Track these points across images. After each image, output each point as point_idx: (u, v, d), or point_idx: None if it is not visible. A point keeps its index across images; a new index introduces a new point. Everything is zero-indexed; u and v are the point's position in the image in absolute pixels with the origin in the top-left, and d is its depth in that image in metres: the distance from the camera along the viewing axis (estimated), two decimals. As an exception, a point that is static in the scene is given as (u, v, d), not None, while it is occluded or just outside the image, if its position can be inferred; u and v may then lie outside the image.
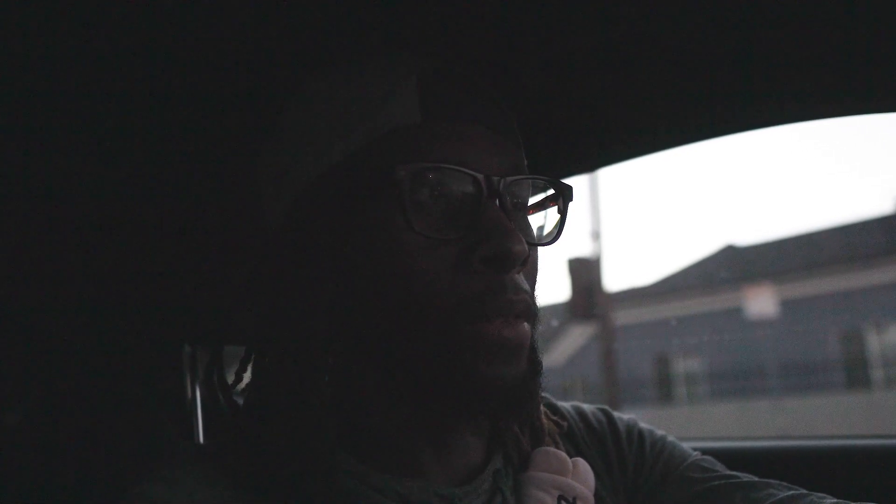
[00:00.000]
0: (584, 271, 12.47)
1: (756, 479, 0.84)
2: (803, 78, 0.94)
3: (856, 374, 15.86)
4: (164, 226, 1.13)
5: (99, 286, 1.21)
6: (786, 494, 0.80)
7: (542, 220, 0.80)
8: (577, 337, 18.89)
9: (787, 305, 15.92)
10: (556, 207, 0.79)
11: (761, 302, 16.00)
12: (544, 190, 0.80)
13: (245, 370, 0.79)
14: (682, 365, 18.31)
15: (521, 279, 0.72)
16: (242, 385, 0.80)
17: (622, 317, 16.41)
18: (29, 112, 0.88)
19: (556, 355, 19.03)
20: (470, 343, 0.68)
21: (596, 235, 12.15)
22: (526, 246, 0.70)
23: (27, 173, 0.99)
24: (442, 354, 0.69)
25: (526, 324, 0.72)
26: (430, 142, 0.71)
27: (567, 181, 0.80)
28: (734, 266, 18.60)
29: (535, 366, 0.74)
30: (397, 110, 0.72)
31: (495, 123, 0.75)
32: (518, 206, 0.76)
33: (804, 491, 0.81)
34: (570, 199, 0.79)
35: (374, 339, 0.73)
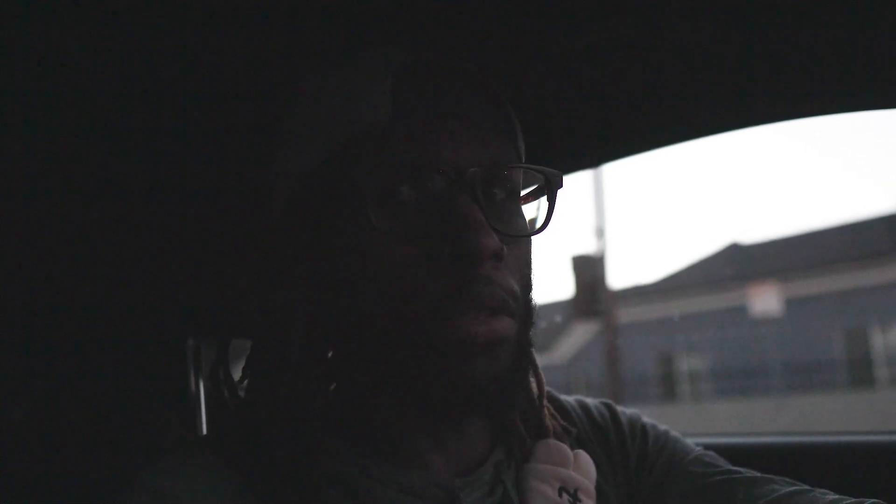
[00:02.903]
0: (588, 269, 12.45)
1: (758, 474, 0.84)
2: (807, 72, 0.93)
3: (860, 372, 15.84)
4: (167, 220, 1.13)
5: (102, 280, 1.21)
6: (788, 490, 0.80)
7: (534, 211, 0.79)
8: (580, 334, 18.88)
9: (791, 304, 15.89)
10: (545, 196, 0.78)
11: (765, 300, 15.97)
12: (533, 179, 0.80)
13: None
14: (686, 363, 18.30)
15: (499, 274, 0.70)
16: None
17: (626, 315, 16.40)
18: (31, 107, 0.88)
19: (559, 353, 19.03)
20: (442, 340, 0.68)
21: (600, 233, 12.15)
22: (496, 240, 0.68)
23: (28, 168, 0.99)
24: (415, 353, 0.68)
25: (507, 318, 0.70)
26: (399, 140, 0.71)
27: (568, 175, 0.80)
28: (738, 264, 18.58)
29: (520, 363, 0.73)
30: (369, 109, 0.72)
31: (473, 116, 0.74)
32: (501, 197, 0.74)
33: (806, 487, 0.81)
34: (559, 185, 0.77)
35: (353, 336, 0.73)
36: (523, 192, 0.79)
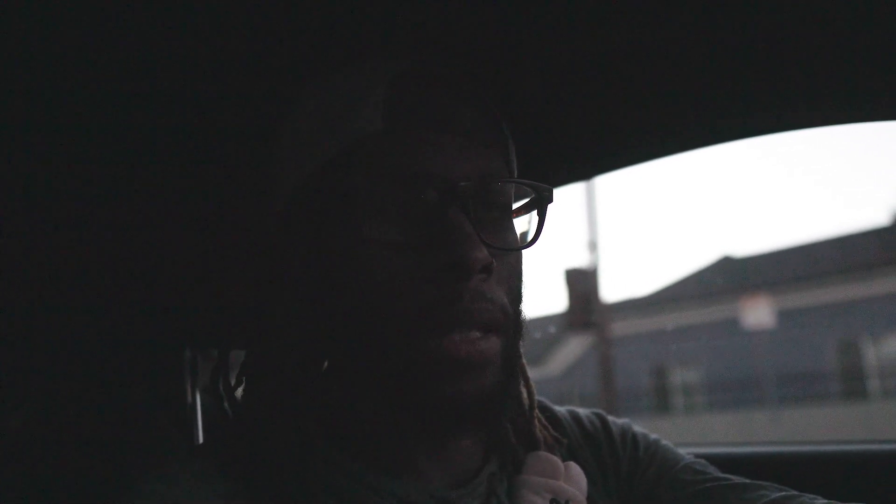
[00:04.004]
0: (582, 282, 12.46)
1: (748, 480, 0.85)
2: (802, 84, 0.93)
3: (853, 384, 15.86)
4: (166, 229, 1.13)
5: (100, 289, 1.21)
6: (778, 495, 0.81)
7: (525, 225, 0.79)
8: (574, 347, 18.88)
9: (784, 316, 15.92)
10: (535, 210, 0.78)
11: (758, 313, 15.99)
12: (524, 193, 0.80)
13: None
14: (680, 375, 18.29)
15: (487, 287, 0.70)
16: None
17: (620, 327, 16.40)
18: (30, 110, 0.88)
19: (553, 366, 19.01)
20: (430, 358, 0.68)
21: (593, 246, 12.16)
22: (486, 253, 0.68)
23: (28, 173, 0.99)
24: (403, 369, 0.69)
25: (493, 337, 0.70)
26: (392, 150, 0.71)
27: (561, 187, 0.80)
28: (731, 277, 18.61)
29: (507, 379, 0.73)
30: (363, 118, 0.72)
31: (469, 129, 0.74)
32: (491, 210, 0.74)
33: (795, 492, 0.81)
34: (549, 200, 0.78)
35: (345, 346, 0.74)
36: (514, 206, 0.79)
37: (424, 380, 0.68)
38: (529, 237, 0.78)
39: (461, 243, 0.67)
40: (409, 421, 0.72)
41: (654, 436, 0.94)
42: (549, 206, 0.78)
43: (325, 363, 0.80)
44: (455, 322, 0.68)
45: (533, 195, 0.79)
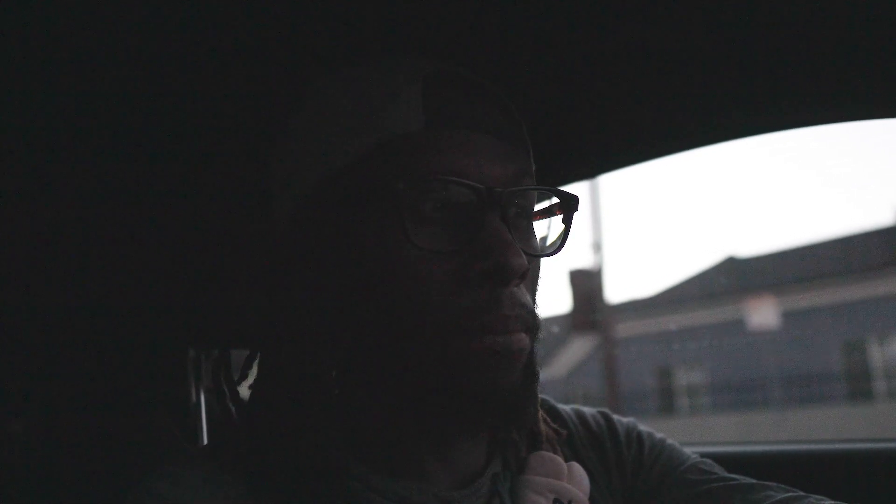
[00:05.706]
0: (586, 283, 12.46)
1: (754, 481, 0.85)
2: (804, 82, 0.94)
3: (858, 385, 15.81)
4: (169, 228, 1.13)
5: (103, 290, 1.21)
6: (784, 496, 0.80)
7: (545, 230, 0.80)
8: (578, 348, 18.86)
9: (788, 317, 15.89)
10: (560, 217, 0.79)
11: (763, 313, 15.97)
12: (549, 199, 0.80)
13: (250, 368, 0.80)
14: (684, 377, 18.26)
15: (520, 292, 0.71)
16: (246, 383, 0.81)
17: (624, 329, 16.38)
18: (34, 110, 0.89)
19: (557, 367, 18.99)
20: (463, 354, 0.68)
21: (597, 247, 12.16)
22: (525, 259, 0.69)
23: (30, 173, 1.00)
24: (436, 366, 0.69)
25: (525, 336, 0.72)
26: (431, 151, 0.70)
27: (569, 189, 0.80)
28: (736, 277, 18.58)
29: (530, 376, 0.74)
30: (399, 116, 0.71)
31: (501, 130, 0.74)
32: (521, 215, 0.75)
33: (802, 493, 0.81)
34: (575, 208, 0.78)
35: (373, 345, 0.73)
36: (536, 210, 0.80)
37: (459, 371, 0.69)
38: (549, 241, 0.79)
39: (502, 250, 0.68)
40: (434, 417, 0.72)
41: (659, 435, 0.94)
42: (575, 213, 0.78)
43: (337, 362, 0.80)
44: (494, 327, 0.69)
45: (557, 201, 0.79)
